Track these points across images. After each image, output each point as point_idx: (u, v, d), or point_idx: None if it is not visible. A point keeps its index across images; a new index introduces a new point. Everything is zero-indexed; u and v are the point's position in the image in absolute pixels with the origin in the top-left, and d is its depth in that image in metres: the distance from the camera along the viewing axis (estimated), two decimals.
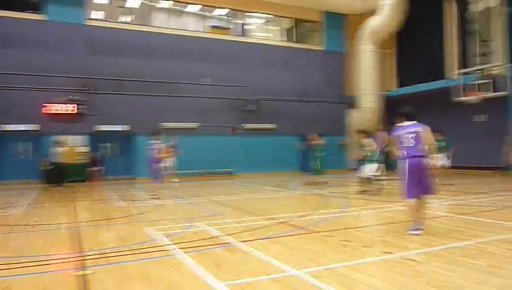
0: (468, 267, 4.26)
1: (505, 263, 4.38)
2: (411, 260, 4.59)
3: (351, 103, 23.77)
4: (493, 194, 10.85)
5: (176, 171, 16.99)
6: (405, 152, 6.06)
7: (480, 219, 7.13)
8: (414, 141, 5.99)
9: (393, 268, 4.34)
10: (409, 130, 6.09)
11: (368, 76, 22.75)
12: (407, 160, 6.03)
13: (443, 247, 5.15)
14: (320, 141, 14.59)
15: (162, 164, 11.50)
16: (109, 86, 18.46)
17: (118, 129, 18.67)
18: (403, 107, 6.46)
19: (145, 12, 20.06)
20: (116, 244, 5.70)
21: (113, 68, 18.59)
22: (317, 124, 22.62)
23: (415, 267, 4.34)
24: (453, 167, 19.21)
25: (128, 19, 20.02)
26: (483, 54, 16.86)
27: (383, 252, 4.94)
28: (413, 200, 6.01)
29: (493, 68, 16.55)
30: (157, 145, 11.47)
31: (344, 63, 24.11)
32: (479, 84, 16.88)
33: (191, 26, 20.83)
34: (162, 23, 20.22)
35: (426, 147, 6.00)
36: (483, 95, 16.62)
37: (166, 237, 6.09)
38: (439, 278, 3.92)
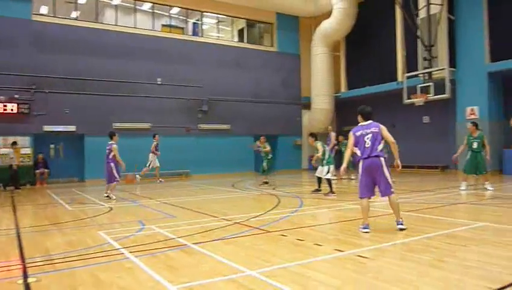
0: (414, 261, 4.46)
1: (447, 257, 4.61)
2: (362, 256, 4.73)
3: (305, 104, 24.25)
4: (437, 192, 11.43)
5: (154, 172, 17.40)
6: (361, 152, 6.14)
7: (425, 216, 7.48)
8: (370, 142, 6.05)
9: (345, 265, 4.46)
10: (365, 130, 6.15)
11: (320, 78, 23.30)
12: (362, 160, 6.13)
13: (391, 243, 5.35)
14: (264, 144, 14.72)
15: (113, 164, 11.24)
16: (57, 84, 17.69)
17: (66, 130, 17.89)
18: (360, 106, 6.45)
19: (96, 8, 19.37)
20: (64, 250, 5.45)
21: (62, 66, 17.84)
22: (272, 125, 22.90)
23: (365, 264, 4.48)
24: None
25: (78, 15, 19.23)
26: (428, 59, 17.69)
27: (336, 249, 5.06)
28: (365, 200, 6.15)
29: (436, 72, 17.43)
30: (110, 146, 11.22)
31: (298, 65, 24.52)
32: (424, 87, 17.70)
33: (143, 24, 20.38)
34: (113, 21, 19.64)
35: (380, 147, 6.06)
36: (428, 97, 17.45)
37: (117, 240, 5.91)
38: (388, 273, 4.07)
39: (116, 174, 11.25)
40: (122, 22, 19.76)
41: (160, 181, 17.03)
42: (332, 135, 16.92)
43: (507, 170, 16.81)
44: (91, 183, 17.34)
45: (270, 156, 14.79)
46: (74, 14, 19.19)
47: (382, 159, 6.05)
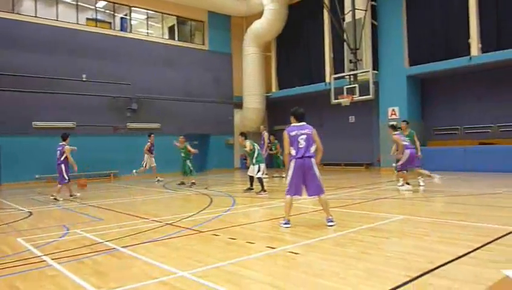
0: (340, 255, 4.66)
1: (370, 249, 4.88)
2: (292, 252, 4.85)
3: (237, 103, 24.37)
4: (362, 188, 12.05)
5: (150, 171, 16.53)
6: (295, 152, 6.31)
7: (352, 211, 7.86)
8: (304, 142, 6.27)
9: (276, 261, 4.55)
10: (300, 131, 6.34)
11: (252, 77, 23.55)
12: (294, 160, 6.31)
13: (319, 238, 5.55)
14: (184, 144, 14.64)
15: (63, 166, 11.26)
16: None
17: None
18: (293, 108, 6.62)
19: None
20: None
21: None
22: (204, 124, 22.75)
23: (295, 259, 4.60)
24: (325, 164, 21.02)
25: None
26: (353, 61, 18.56)
27: (267, 247, 5.14)
28: (290, 198, 6.36)
29: (361, 74, 18.35)
30: (62, 148, 11.17)
31: (230, 64, 24.56)
32: (350, 88, 18.54)
33: (66, 17, 19.21)
34: (32, 12, 18.28)
35: (313, 149, 6.34)
36: (353, 98, 18.30)
37: (38, 247, 5.53)
38: (317, 267, 4.22)
39: (66, 175, 11.28)
40: (42, 14, 18.48)
41: (159, 180, 15.98)
42: (265, 134, 17.15)
43: (424, 166, 18.11)
44: (8, 187, 16.09)
45: (186, 156, 14.66)
46: None
47: (313, 160, 6.33)
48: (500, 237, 5.21)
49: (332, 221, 6.35)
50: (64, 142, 11.37)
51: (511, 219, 6.64)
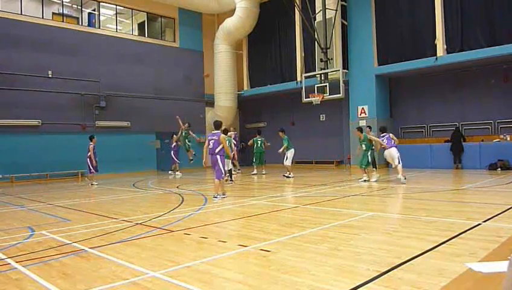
0: (312, 252, 4.71)
1: (341, 245, 4.96)
2: (264, 250, 4.86)
3: (208, 101, 24.22)
4: (333, 185, 12.22)
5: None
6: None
7: (323, 208, 7.96)
8: (212, 144, 9.54)
9: (248, 259, 4.55)
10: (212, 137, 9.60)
11: (223, 75, 23.46)
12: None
13: (292, 236, 5.59)
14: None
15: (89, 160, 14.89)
16: None
17: None
18: (214, 120, 10.05)
19: None
20: None
21: None
22: (174, 122, 22.43)
23: (268, 257, 4.61)
24: (297, 162, 21.16)
25: None
26: (324, 60, 18.78)
27: (239, 245, 5.14)
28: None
29: (332, 73, 18.59)
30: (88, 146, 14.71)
31: (201, 62, 24.37)
32: (321, 87, 18.75)
33: (31, 11, 18.55)
34: None
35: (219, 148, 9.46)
36: (324, 96, 18.52)
37: (1, 249, 5.32)
38: (289, 265, 4.25)
39: (92, 168, 14.97)
40: (5, 8, 17.77)
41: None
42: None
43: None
44: None
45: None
46: None
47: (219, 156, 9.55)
48: (463, 232, 5.39)
49: (217, 197, 9.47)
50: (91, 143, 14.91)
51: (474, 213, 6.89)
